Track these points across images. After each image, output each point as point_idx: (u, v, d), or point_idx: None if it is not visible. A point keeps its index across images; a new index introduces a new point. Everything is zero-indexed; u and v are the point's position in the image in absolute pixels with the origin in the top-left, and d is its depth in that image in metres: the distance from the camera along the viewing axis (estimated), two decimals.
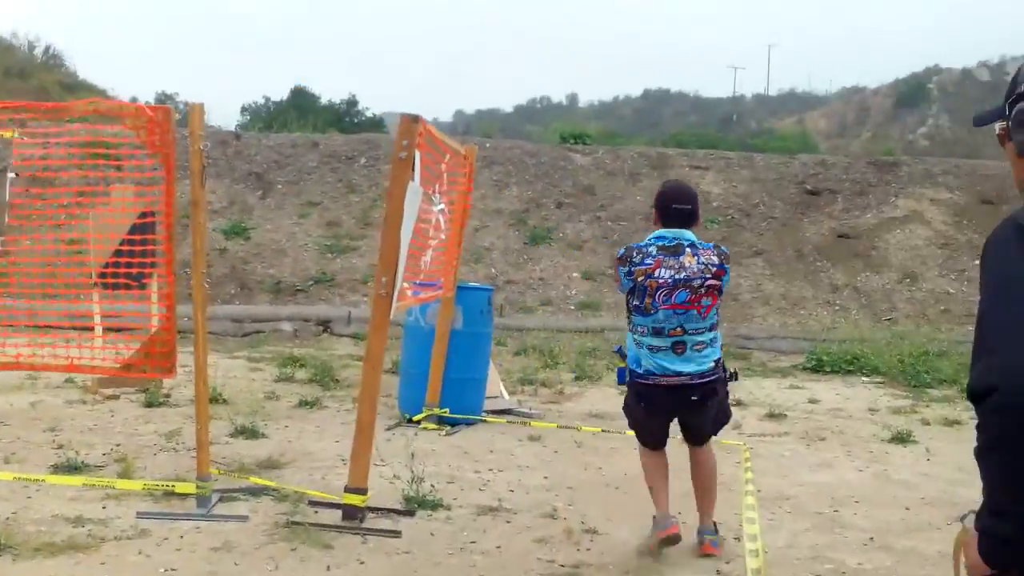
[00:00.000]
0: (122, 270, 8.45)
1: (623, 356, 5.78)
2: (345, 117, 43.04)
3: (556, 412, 10.34)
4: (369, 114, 48.13)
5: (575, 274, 16.85)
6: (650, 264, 5.45)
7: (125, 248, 8.68)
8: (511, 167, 19.51)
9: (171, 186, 6.39)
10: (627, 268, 5.52)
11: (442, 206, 8.14)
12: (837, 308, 16.25)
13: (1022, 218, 1.88)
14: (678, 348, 5.46)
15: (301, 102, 43.22)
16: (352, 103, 48.60)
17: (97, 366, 6.82)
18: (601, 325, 15.17)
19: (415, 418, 9.30)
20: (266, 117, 37.76)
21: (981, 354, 1.79)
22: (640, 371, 5.59)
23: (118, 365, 6.75)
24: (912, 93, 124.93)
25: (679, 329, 5.45)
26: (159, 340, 6.70)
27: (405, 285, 6.82)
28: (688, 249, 5.51)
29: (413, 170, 6.27)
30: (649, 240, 5.64)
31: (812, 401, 11.24)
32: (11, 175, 7.38)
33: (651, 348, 5.49)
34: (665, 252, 5.49)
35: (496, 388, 10.42)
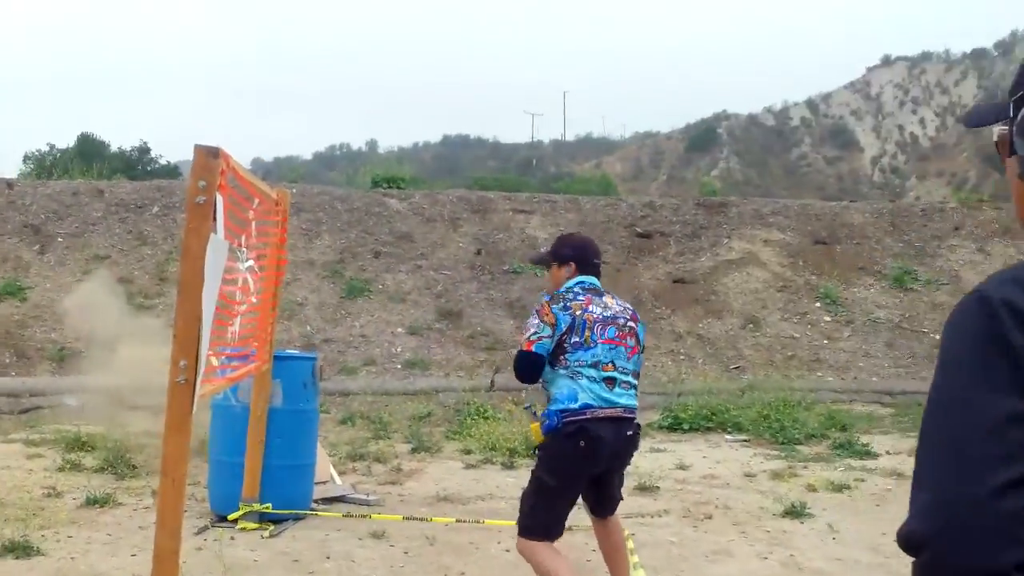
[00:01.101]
0: None
1: (535, 414, 5.35)
2: (137, 165, 40.77)
3: (397, 496, 8.88)
4: (163, 162, 46.01)
5: (399, 329, 15.37)
6: (583, 300, 5.35)
7: None
8: (321, 214, 17.95)
9: None
10: (562, 304, 5.30)
11: (251, 263, 6.57)
12: (683, 357, 15.24)
13: (994, 292, 1.31)
14: (609, 383, 5.23)
15: (88, 149, 40.77)
16: (144, 150, 46.45)
17: None
18: (432, 386, 13.76)
19: (231, 517, 7.71)
20: (50, 165, 35.14)
21: (915, 483, 1.29)
22: (576, 406, 5.18)
23: None
24: (703, 137, 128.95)
25: (611, 365, 5.29)
26: None
27: (214, 362, 5.27)
28: (605, 294, 5.53)
29: (215, 219, 4.75)
30: (572, 284, 5.49)
31: (681, 467, 10.09)
32: None
33: (590, 379, 5.22)
34: (591, 292, 5.44)
35: (326, 471, 8.89)
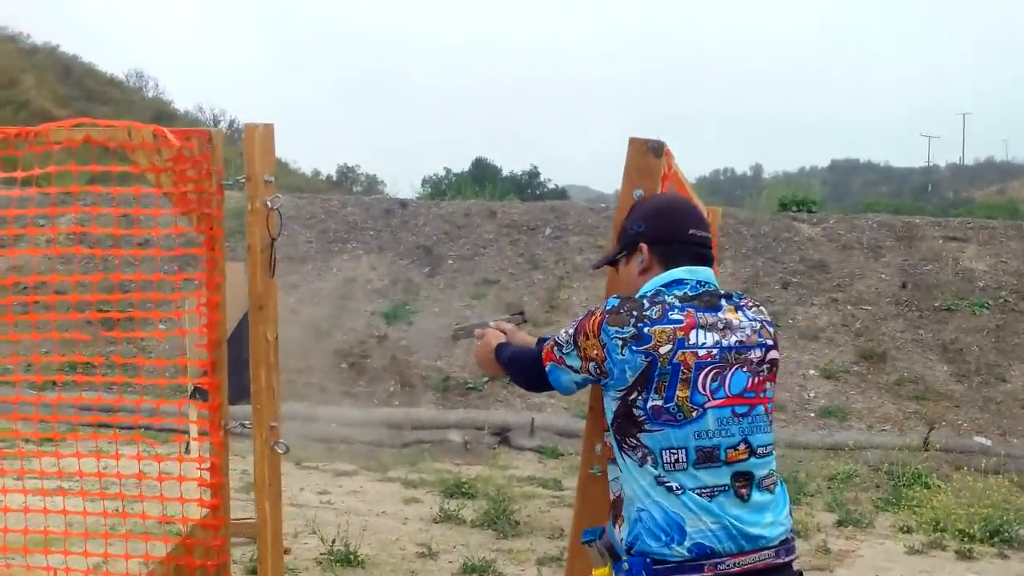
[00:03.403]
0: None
1: (605, 548, 2.89)
2: (527, 189, 41.09)
3: None
4: (551, 185, 46.40)
5: (812, 371, 13.50)
6: (679, 323, 2.71)
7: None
8: (723, 239, 16.34)
9: (216, 268, 3.61)
10: (633, 325, 2.71)
11: None
12: None
13: None
14: (742, 486, 2.71)
15: (481, 173, 41.64)
16: (534, 174, 47.04)
17: None
18: (853, 440, 11.79)
19: None
20: (445, 189, 35.94)
21: None
22: (680, 552, 2.67)
23: None
24: None
25: (743, 448, 2.73)
26: (200, 536, 3.82)
27: None
28: (724, 301, 2.83)
29: None
30: (654, 287, 2.84)
31: None
32: None
33: (703, 490, 2.69)
34: (695, 302, 2.78)
35: None
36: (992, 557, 8.14)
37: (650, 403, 2.68)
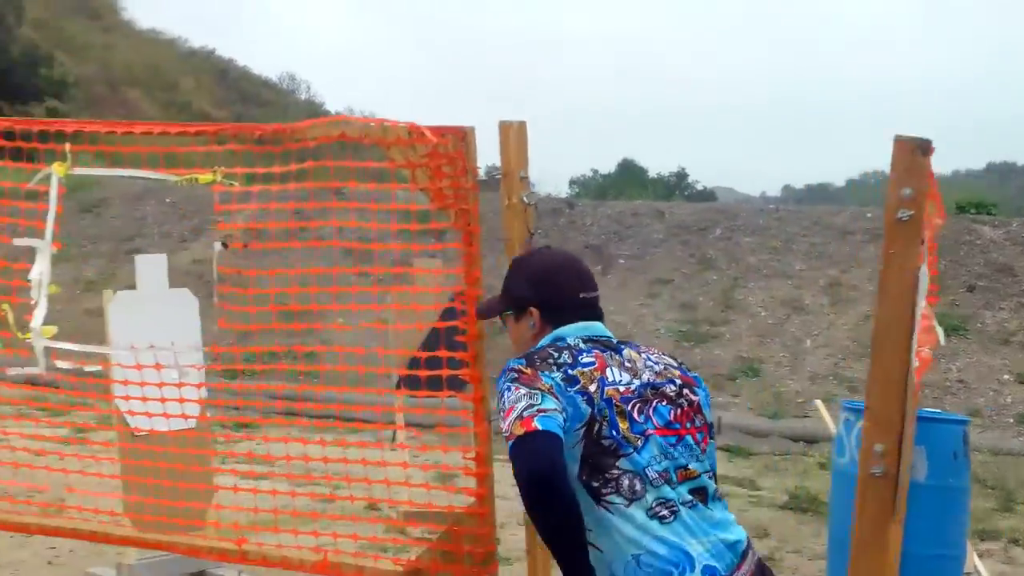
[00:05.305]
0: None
1: None
2: (675, 190, 40.82)
3: None
4: (699, 187, 45.99)
5: (1006, 376, 12.98)
6: (593, 364, 2.66)
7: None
8: None
9: (474, 264, 3.76)
10: (560, 372, 2.59)
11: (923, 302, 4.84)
12: None
13: None
14: (701, 500, 2.65)
15: (629, 174, 41.50)
16: (682, 176, 46.68)
17: (366, 568, 3.84)
18: None
19: None
20: (596, 189, 35.83)
21: None
22: None
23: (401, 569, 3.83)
24: None
25: (688, 468, 2.66)
26: (467, 527, 3.78)
27: None
28: (622, 346, 2.81)
29: (922, 244, 3.14)
30: (551, 340, 2.79)
31: None
32: (217, 246, 4.51)
33: (663, 517, 2.55)
34: (599, 346, 2.75)
35: (971, 563, 6.93)
36: None
37: (605, 434, 2.58)
